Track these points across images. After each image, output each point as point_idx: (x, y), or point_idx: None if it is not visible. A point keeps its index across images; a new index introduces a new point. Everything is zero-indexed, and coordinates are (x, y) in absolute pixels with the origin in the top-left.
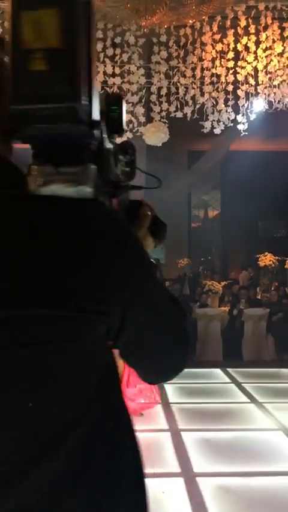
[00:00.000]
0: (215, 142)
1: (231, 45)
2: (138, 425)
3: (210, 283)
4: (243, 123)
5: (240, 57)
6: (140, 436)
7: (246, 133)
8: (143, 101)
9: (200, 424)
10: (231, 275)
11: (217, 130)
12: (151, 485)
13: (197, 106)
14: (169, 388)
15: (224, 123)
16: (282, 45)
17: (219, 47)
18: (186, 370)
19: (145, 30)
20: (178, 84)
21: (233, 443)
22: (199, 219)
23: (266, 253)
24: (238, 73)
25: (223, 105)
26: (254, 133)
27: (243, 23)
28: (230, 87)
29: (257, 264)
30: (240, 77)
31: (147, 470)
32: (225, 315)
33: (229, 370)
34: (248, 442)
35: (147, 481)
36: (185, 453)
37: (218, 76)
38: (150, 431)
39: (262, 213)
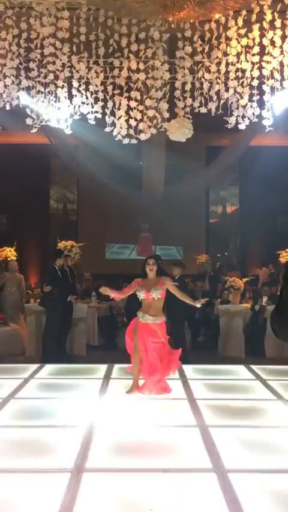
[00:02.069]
0: (235, 138)
1: (257, 40)
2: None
3: (232, 280)
4: (268, 119)
5: (266, 51)
6: (169, 430)
7: (271, 128)
8: (167, 96)
9: (228, 421)
10: (256, 271)
11: (242, 126)
12: (182, 480)
13: (222, 101)
14: (194, 384)
15: (248, 118)
16: None
17: (244, 41)
18: (209, 366)
19: (173, 25)
20: (202, 79)
21: (261, 439)
22: (217, 215)
23: None
24: (264, 68)
25: (248, 101)
26: (275, 128)
27: (269, 17)
28: (255, 82)
29: (278, 260)
30: (265, 72)
31: (177, 465)
32: (247, 311)
33: (252, 366)
34: (276, 438)
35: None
36: (215, 449)
37: (243, 71)
38: (178, 427)
39: (281, 209)
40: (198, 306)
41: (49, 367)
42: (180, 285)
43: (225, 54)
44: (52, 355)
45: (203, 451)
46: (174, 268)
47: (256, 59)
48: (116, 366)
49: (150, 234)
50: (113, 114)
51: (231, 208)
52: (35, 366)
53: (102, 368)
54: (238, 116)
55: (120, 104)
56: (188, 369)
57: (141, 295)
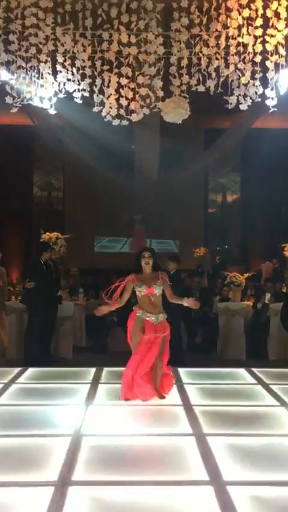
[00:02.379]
0: (237, 119)
1: (260, 11)
2: (161, 429)
3: (232, 275)
4: (272, 98)
5: (270, 24)
6: (161, 440)
7: (276, 109)
8: (161, 73)
9: (226, 429)
10: (259, 266)
11: (243, 106)
12: (178, 493)
13: (221, 79)
14: (190, 388)
15: (251, 98)
16: None
17: (246, 13)
18: (207, 369)
19: None
20: (200, 54)
21: (263, 449)
22: (216, 204)
23: None
24: (267, 42)
25: (250, 78)
26: (280, 109)
27: None
28: (258, 58)
29: (282, 254)
30: (269, 47)
31: (172, 477)
32: (248, 310)
33: (254, 370)
34: (280, 448)
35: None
36: (212, 460)
37: (245, 45)
38: (172, 436)
39: (286, 198)
40: (185, 304)
41: (32, 371)
42: (175, 280)
43: (225, 26)
44: (35, 357)
45: (199, 462)
46: (169, 263)
47: (259, 32)
48: (106, 370)
49: (143, 226)
50: (101, 92)
51: (232, 196)
52: (16, 370)
53: (91, 372)
54: (239, 95)
55: (109, 81)
56: (183, 372)
57: (142, 291)
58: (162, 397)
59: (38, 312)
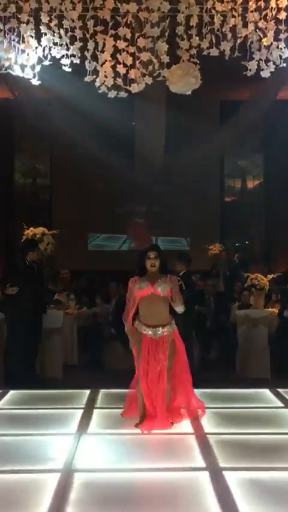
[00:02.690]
0: (258, 89)
1: None
2: (168, 462)
3: (253, 277)
4: None
5: None
6: (171, 475)
7: None
8: (167, 34)
9: (246, 462)
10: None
11: (265, 73)
12: None
13: (238, 41)
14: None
15: (274, 63)
16: None
17: None
18: (224, 390)
19: None
20: (213, 11)
21: None
22: (235, 191)
23: None
24: None
25: (273, 40)
26: None
27: None
28: (283, 15)
29: None
30: None
31: None
32: (273, 319)
33: (280, 390)
34: None
35: None
36: (229, 498)
37: (267, 0)
38: (183, 471)
39: None
40: (179, 311)
41: (14, 394)
42: (185, 284)
43: None
44: (18, 377)
45: (214, 502)
46: (176, 264)
47: None
48: (102, 392)
49: (146, 220)
50: (95, 58)
51: (253, 182)
52: None
53: (84, 394)
54: (260, 59)
55: (104, 44)
56: (196, 394)
57: (144, 286)
58: (166, 426)
59: (21, 322)
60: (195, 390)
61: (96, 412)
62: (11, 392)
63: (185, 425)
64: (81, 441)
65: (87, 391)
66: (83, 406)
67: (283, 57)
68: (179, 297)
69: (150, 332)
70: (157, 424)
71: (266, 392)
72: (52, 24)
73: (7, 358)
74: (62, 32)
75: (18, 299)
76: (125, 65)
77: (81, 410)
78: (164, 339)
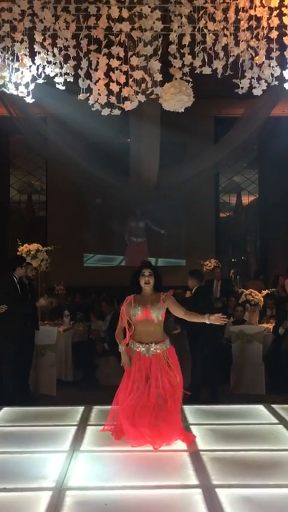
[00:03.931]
0: (252, 106)
1: None
2: (161, 480)
3: (247, 293)
4: None
5: None
6: (164, 493)
7: None
8: (159, 53)
9: (240, 479)
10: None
11: (257, 91)
12: None
13: (231, 59)
14: (196, 430)
15: (266, 81)
16: None
17: None
18: (218, 406)
19: None
20: (205, 30)
21: (286, 503)
22: (230, 207)
23: None
24: (285, 15)
25: (265, 58)
26: None
27: None
28: (274, 34)
29: None
30: (287, 20)
31: None
32: (268, 335)
33: (275, 406)
34: None
35: None
36: None
37: (258, 19)
38: (175, 488)
39: None
40: (208, 322)
41: (7, 411)
42: (198, 299)
43: None
44: (10, 394)
45: None
46: (189, 279)
47: (275, 2)
48: (96, 408)
49: (143, 240)
50: (88, 76)
51: (249, 198)
52: None
53: (78, 411)
54: (252, 78)
55: (97, 63)
56: (189, 410)
57: (137, 313)
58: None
59: (12, 339)
60: (189, 406)
61: (89, 429)
62: (4, 409)
63: (178, 442)
64: (74, 459)
65: (81, 408)
66: (76, 423)
67: (275, 75)
68: (180, 308)
69: (143, 349)
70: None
71: (261, 408)
72: (46, 43)
73: (0, 376)
74: (55, 50)
75: (7, 316)
76: (118, 83)
77: (75, 428)
78: (157, 357)
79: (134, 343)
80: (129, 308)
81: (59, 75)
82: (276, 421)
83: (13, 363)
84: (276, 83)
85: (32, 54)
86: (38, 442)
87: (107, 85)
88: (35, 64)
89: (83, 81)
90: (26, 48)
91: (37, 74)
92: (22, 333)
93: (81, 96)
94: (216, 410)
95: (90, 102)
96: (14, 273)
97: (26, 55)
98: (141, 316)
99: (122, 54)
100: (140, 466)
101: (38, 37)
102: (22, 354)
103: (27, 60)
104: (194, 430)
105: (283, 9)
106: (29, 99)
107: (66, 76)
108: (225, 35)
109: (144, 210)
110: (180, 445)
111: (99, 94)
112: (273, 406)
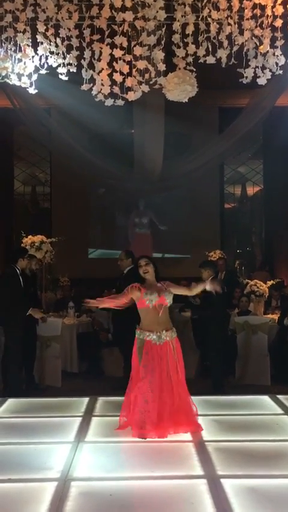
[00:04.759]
0: (256, 95)
1: None
2: (166, 470)
3: (253, 283)
4: None
5: None
6: (169, 483)
7: None
8: (163, 42)
9: (245, 469)
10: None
11: (261, 81)
12: None
13: (235, 48)
14: (202, 420)
15: (270, 70)
16: None
17: None
18: (223, 397)
19: None
20: (209, 19)
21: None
22: (234, 198)
23: None
24: None
25: (269, 47)
26: None
27: None
28: (279, 22)
29: None
30: None
31: None
32: (273, 325)
33: (280, 397)
34: None
35: None
36: (227, 506)
37: (263, 7)
38: (181, 478)
39: None
40: (208, 288)
41: (13, 402)
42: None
43: None
44: (16, 385)
45: (211, 509)
46: (202, 271)
47: None
48: (101, 400)
49: (148, 233)
50: (91, 66)
51: (253, 188)
52: None
53: (83, 402)
54: (257, 67)
55: (100, 53)
56: (194, 401)
57: (154, 299)
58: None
59: (15, 330)
60: (194, 397)
61: (94, 420)
62: (10, 400)
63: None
64: (78, 449)
65: (86, 399)
66: (81, 414)
67: (279, 64)
68: (181, 287)
69: (154, 337)
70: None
71: (266, 398)
72: (49, 33)
73: (6, 367)
74: (58, 40)
75: (10, 307)
76: (121, 73)
77: (80, 419)
78: (168, 344)
79: (143, 332)
80: (136, 292)
81: (61, 65)
82: (282, 412)
83: (17, 353)
84: (281, 72)
85: (35, 45)
86: (43, 433)
87: (110, 75)
88: (37, 54)
89: (86, 71)
90: (28, 38)
91: (40, 64)
92: (25, 323)
93: (85, 87)
94: (221, 401)
95: (94, 92)
96: (16, 264)
97: (28, 45)
98: (157, 301)
99: (125, 44)
100: (145, 456)
101: (41, 27)
102: (26, 343)
103: (29, 51)
104: (200, 420)
105: None
106: (32, 90)
107: (69, 66)
108: (229, 24)
109: (147, 203)
110: (185, 435)
111: (102, 84)
112: (278, 396)
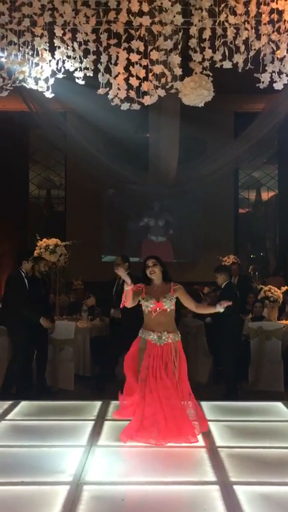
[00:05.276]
0: (272, 100)
1: None
2: (178, 476)
3: (267, 289)
4: None
5: None
6: (181, 489)
7: None
8: (179, 47)
9: (258, 476)
10: None
11: (278, 85)
12: None
13: (251, 53)
14: (214, 426)
15: (287, 75)
16: None
17: None
18: (236, 403)
19: None
20: (226, 24)
21: None
22: (249, 202)
23: None
24: None
25: (286, 52)
26: None
27: None
28: None
29: None
30: None
31: None
32: (287, 331)
33: None
34: None
35: None
36: None
37: (280, 12)
38: (193, 484)
39: None
40: (222, 310)
41: (25, 405)
42: (229, 295)
43: None
44: (24, 387)
45: None
46: (217, 276)
47: None
48: (113, 403)
49: (162, 242)
50: (108, 71)
51: (268, 193)
52: (6, 404)
53: (95, 406)
54: (273, 72)
55: (117, 57)
56: (207, 406)
57: (149, 305)
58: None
59: (20, 332)
60: (207, 403)
61: (107, 424)
62: (22, 403)
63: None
64: (91, 453)
65: (99, 403)
66: (94, 417)
67: None
68: (191, 301)
69: (155, 337)
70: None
71: (279, 405)
72: (66, 38)
73: (12, 369)
74: (75, 45)
75: (15, 310)
76: (138, 78)
77: (92, 422)
78: (169, 346)
79: (145, 332)
80: (142, 301)
81: (78, 69)
82: None
83: (22, 354)
84: None
85: (52, 49)
86: (56, 436)
87: (126, 79)
88: (54, 59)
89: (103, 75)
90: (46, 42)
91: (57, 68)
92: (34, 326)
93: (101, 91)
94: (234, 406)
95: (110, 96)
96: (21, 267)
97: (45, 50)
98: (153, 307)
99: (142, 49)
100: (157, 461)
101: (58, 32)
102: (36, 346)
103: (47, 55)
104: (212, 426)
105: None
106: (49, 94)
107: (85, 71)
108: (246, 29)
109: (162, 205)
110: (198, 440)
111: (118, 89)
112: None
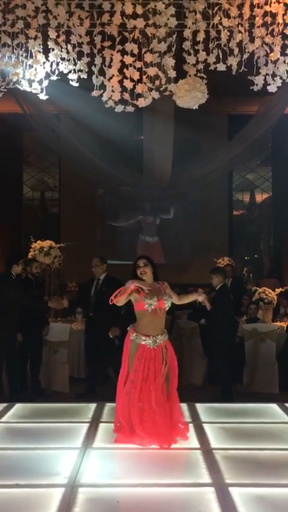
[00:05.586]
0: (266, 103)
1: None
2: (173, 478)
3: (261, 291)
4: None
5: None
6: (177, 491)
7: None
8: (173, 49)
9: (253, 478)
10: None
11: (272, 88)
12: None
13: (245, 56)
14: (210, 429)
15: (281, 77)
16: None
17: None
18: (231, 405)
19: None
20: (220, 26)
21: None
22: (243, 205)
23: None
24: None
25: (280, 54)
26: None
27: None
28: None
29: None
30: None
31: None
32: (281, 333)
33: None
34: None
35: None
36: None
37: (274, 15)
38: (188, 486)
39: None
40: (200, 299)
41: (20, 408)
42: (223, 296)
43: None
44: (18, 390)
45: None
46: (212, 277)
47: None
48: (108, 405)
49: (157, 243)
50: (102, 73)
51: (262, 195)
52: (0, 406)
53: (90, 408)
54: (267, 74)
55: (111, 60)
56: (201, 408)
57: (153, 303)
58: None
59: (9, 335)
60: (202, 405)
61: (102, 426)
62: (17, 405)
63: (191, 440)
64: (86, 455)
65: (94, 405)
66: (88, 420)
67: None
68: (174, 294)
69: (150, 341)
70: (161, 439)
71: (274, 407)
72: (60, 40)
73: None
74: (69, 47)
75: (5, 312)
76: (132, 80)
77: (87, 424)
78: (160, 347)
79: (138, 336)
80: (134, 293)
81: (72, 71)
82: None
83: (13, 356)
84: None
85: (46, 51)
86: (51, 439)
87: (120, 82)
88: (48, 61)
89: (97, 78)
90: (39, 44)
91: (51, 70)
92: (20, 327)
93: (95, 93)
94: (229, 408)
95: (104, 99)
96: (11, 270)
97: (39, 52)
98: (155, 306)
99: (136, 51)
100: (152, 463)
101: (52, 34)
102: (31, 349)
103: (41, 57)
104: (207, 428)
105: None
106: (43, 96)
107: (79, 73)
108: (240, 32)
109: (155, 207)
110: (193, 443)
111: (112, 91)
112: (286, 404)
